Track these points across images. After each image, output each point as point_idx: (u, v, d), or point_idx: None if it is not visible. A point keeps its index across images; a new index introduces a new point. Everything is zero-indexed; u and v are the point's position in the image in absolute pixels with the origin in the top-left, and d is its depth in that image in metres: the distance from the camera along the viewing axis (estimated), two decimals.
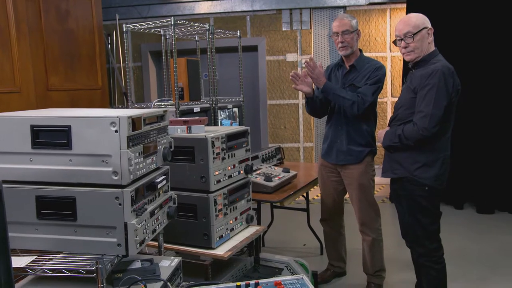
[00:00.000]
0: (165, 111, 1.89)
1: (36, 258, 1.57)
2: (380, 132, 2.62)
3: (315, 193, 5.51)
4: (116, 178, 1.54)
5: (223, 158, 2.35)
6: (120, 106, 6.17)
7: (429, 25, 2.44)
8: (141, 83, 6.45)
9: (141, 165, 1.66)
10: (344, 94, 2.83)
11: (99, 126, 1.53)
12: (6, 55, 3.28)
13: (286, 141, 6.23)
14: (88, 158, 1.55)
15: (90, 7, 4.25)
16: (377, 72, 2.88)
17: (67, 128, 1.54)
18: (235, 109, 3.93)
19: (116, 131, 1.52)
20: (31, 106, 3.45)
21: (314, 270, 3.27)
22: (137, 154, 1.62)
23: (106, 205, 1.55)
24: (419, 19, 2.44)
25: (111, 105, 6.14)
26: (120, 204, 1.54)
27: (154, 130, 1.78)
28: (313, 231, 3.94)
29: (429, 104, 2.34)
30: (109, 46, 6.16)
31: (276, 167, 3.38)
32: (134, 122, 1.59)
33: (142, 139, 1.67)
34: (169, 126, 2.30)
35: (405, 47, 2.45)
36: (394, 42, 2.55)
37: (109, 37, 6.14)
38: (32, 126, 1.57)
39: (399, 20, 2.51)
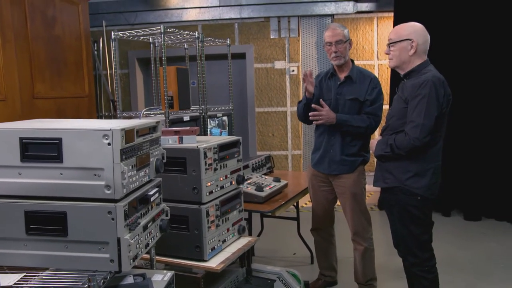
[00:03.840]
0: (157, 122, 1.85)
1: (25, 276, 1.51)
2: (372, 142, 2.62)
3: (304, 200, 5.50)
4: (108, 192, 1.50)
5: (215, 169, 2.32)
6: (107, 114, 6.10)
7: (415, 38, 2.40)
8: (128, 90, 6.38)
9: (134, 178, 1.62)
10: (357, 123, 2.86)
11: (91, 139, 1.49)
12: None
13: (274, 149, 6.21)
14: (80, 172, 1.51)
15: (77, 13, 4.20)
16: (374, 84, 2.94)
17: (57, 141, 1.50)
18: (225, 118, 3.90)
19: (109, 144, 1.48)
20: (16, 114, 3.38)
21: (305, 280, 3.24)
22: (130, 167, 1.58)
23: (98, 220, 1.50)
24: (406, 30, 2.44)
25: (98, 112, 6.06)
26: (113, 219, 1.50)
27: (146, 142, 1.74)
28: (303, 240, 3.92)
29: (420, 114, 2.35)
30: (96, 52, 6.09)
31: (266, 176, 3.36)
32: (127, 134, 1.55)
33: (135, 152, 1.63)
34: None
35: (388, 54, 2.51)
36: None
37: (95, 44, 6.06)
38: (21, 139, 1.52)
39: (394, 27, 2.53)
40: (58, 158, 1.51)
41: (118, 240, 1.50)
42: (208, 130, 3.66)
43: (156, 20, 6.06)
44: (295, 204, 3.81)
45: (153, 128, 1.84)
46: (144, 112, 3.21)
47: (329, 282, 3.35)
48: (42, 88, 3.70)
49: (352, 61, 3.03)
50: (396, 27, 2.51)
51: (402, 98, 2.47)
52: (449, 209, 5.15)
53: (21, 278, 1.50)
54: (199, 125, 3.51)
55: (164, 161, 1.91)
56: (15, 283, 1.45)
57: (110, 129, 1.48)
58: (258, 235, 4.12)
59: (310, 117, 2.89)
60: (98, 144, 1.49)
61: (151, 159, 1.80)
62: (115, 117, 5.51)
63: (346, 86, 2.95)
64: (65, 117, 3.85)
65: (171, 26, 5.62)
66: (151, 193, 1.75)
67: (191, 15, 6.05)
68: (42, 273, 1.54)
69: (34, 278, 1.51)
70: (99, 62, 6.04)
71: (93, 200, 1.51)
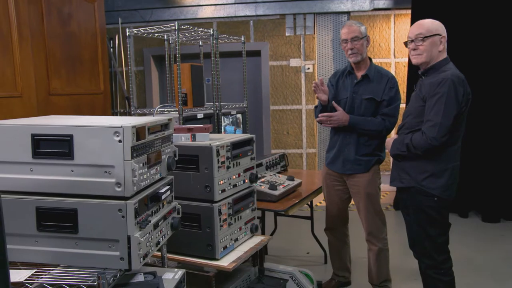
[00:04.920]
0: (169, 119, 1.84)
1: (36, 272, 1.51)
2: (388, 140, 2.57)
3: (318, 199, 5.45)
4: (119, 189, 1.49)
5: (228, 167, 2.30)
6: (122, 111, 6.13)
7: (443, 33, 2.39)
8: (143, 87, 6.40)
9: (145, 176, 1.60)
10: (369, 126, 2.83)
11: (102, 136, 1.48)
12: (8, 59, 3.24)
13: (289, 147, 6.17)
14: (91, 169, 1.50)
15: (92, 11, 4.22)
16: (392, 84, 2.88)
17: (69, 138, 1.49)
18: (239, 115, 3.88)
19: (119, 141, 1.47)
20: (32, 111, 3.41)
21: (318, 280, 3.21)
22: (141, 164, 1.57)
23: (109, 218, 1.50)
24: (434, 25, 2.39)
25: (113, 109, 6.10)
26: (123, 217, 1.49)
27: (158, 139, 1.73)
28: (317, 240, 3.88)
29: (438, 113, 2.29)
30: (111, 50, 6.12)
31: (280, 175, 3.33)
32: (138, 131, 1.54)
33: (146, 149, 1.62)
34: (173, 134, 2.26)
35: (414, 49, 2.41)
36: (405, 44, 2.50)
37: (111, 41, 6.10)
38: (33, 135, 1.52)
39: (414, 23, 2.47)
40: (69, 155, 1.50)
41: (128, 238, 1.50)
42: (222, 127, 3.64)
43: (172, 17, 6.06)
44: (309, 203, 3.78)
45: (165, 126, 1.83)
46: (158, 109, 3.21)
47: (343, 283, 3.31)
48: (58, 84, 3.73)
49: (370, 59, 2.97)
50: (420, 23, 2.42)
51: (420, 96, 2.41)
52: (467, 210, 5.05)
53: (32, 274, 1.49)
54: (213, 122, 3.50)
55: (176, 158, 1.90)
56: (25, 279, 1.45)
57: (121, 126, 1.47)
58: (271, 234, 4.09)
59: (317, 120, 2.87)
60: (109, 141, 1.48)
61: (162, 157, 1.78)
62: (129, 114, 5.53)
63: (363, 85, 2.90)
64: (80, 113, 3.87)
65: (186, 23, 5.62)
66: (162, 191, 1.74)
67: (206, 12, 6.04)
68: (53, 270, 1.53)
69: (45, 275, 1.51)
70: (114, 59, 6.07)
71: (104, 197, 1.51)
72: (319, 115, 2.88)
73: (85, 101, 4.05)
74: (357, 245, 3.53)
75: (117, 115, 6.08)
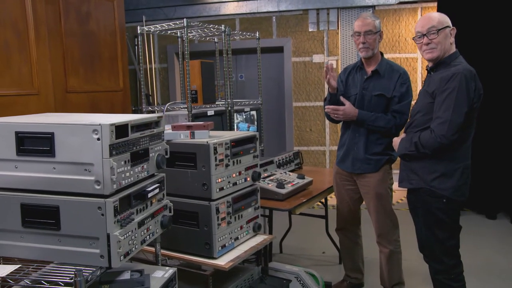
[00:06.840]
0: (159, 117, 1.83)
1: (19, 268, 1.53)
2: (395, 140, 2.48)
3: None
4: (98, 187, 1.49)
5: (227, 165, 2.27)
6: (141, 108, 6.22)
7: (451, 25, 2.29)
8: (167, 84, 6.47)
9: (127, 174, 1.60)
10: (378, 122, 2.74)
11: (81, 134, 1.48)
12: (25, 58, 3.32)
13: (311, 144, 6.09)
14: (71, 166, 1.51)
15: (112, 9, 4.27)
16: (403, 80, 2.77)
17: (50, 135, 1.50)
18: (253, 113, 3.84)
19: (98, 139, 1.47)
20: (49, 109, 3.49)
21: (328, 281, 3.15)
22: (123, 162, 1.56)
23: (89, 215, 1.50)
24: (443, 17, 2.30)
25: (137, 106, 6.19)
26: (102, 215, 1.49)
27: (145, 137, 1.72)
28: (332, 239, 3.81)
29: (448, 110, 2.18)
30: (136, 48, 6.21)
31: (291, 173, 3.27)
32: (119, 129, 1.53)
33: (130, 147, 1.61)
34: (172, 131, 2.26)
35: (427, 44, 2.30)
36: (414, 39, 2.40)
37: (135, 39, 6.18)
38: (17, 133, 1.54)
39: (421, 17, 2.36)
40: (51, 152, 1.52)
41: (108, 236, 1.49)
42: (235, 124, 3.61)
43: (195, 14, 6.09)
44: (323, 201, 3.71)
45: (155, 123, 1.82)
46: (168, 107, 3.21)
47: (355, 284, 3.22)
48: (76, 82, 3.80)
49: (382, 54, 2.87)
50: (429, 16, 2.32)
51: (429, 92, 2.30)
52: (495, 211, 4.83)
53: (15, 270, 1.51)
54: (225, 119, 3.47)
55: (167, 156, 1.88)
56: (7, 275, 1.47)
57: (100, 124, 1.46)
58: (286, 233, 4.04)
59: (325, 110, 2.79)
60: (88, 139, 1.48)
61: (151, 154, 1.77)
62: (140, 111, 5.58)
63: (373, 80, 2.80)
64: (98, 111, 3.94)
65: (209, 20, 5.64)
66: (149, 189, 1.73)
67: (229, 9, 6.03)
68: (35, 265, 1.55)
69: (29, 271, 1.53)
70: (138, 57, 6.15)
71: (85, 195, 1.51)
72: (326, 106, 2.80)
73: (104, 98, 4.11)
74: (371, 245, 3.42)
75: (138, 113, 6.16)
